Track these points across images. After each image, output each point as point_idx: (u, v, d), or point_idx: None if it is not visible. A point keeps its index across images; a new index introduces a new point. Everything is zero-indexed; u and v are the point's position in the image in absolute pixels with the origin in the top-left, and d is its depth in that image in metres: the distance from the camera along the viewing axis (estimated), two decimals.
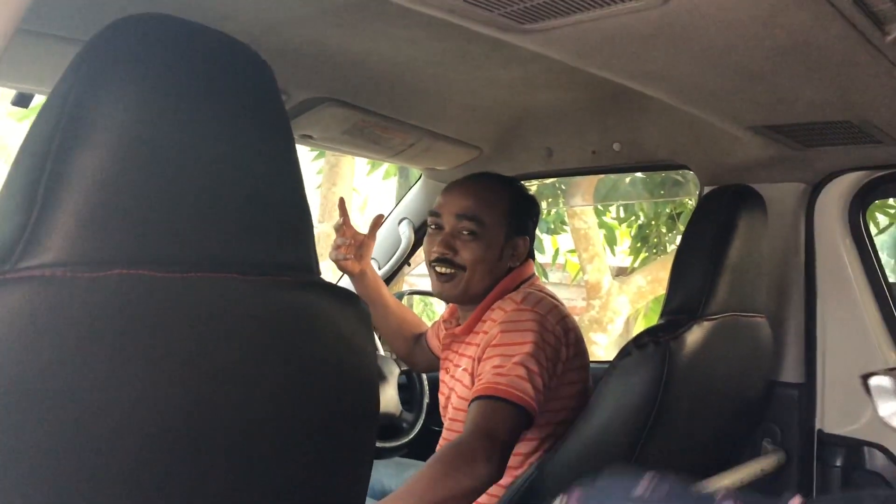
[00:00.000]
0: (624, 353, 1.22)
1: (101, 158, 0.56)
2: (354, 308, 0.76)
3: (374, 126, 1.63)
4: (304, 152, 4.73)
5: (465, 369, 1.44)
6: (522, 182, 1.62)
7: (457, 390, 1.47)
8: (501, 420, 1.21)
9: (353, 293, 0.77)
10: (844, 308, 1.52)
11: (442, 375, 1.58)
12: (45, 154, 0.55)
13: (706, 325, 1.23)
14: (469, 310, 1.50)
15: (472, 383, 1.39)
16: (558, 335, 1.32)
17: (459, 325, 1.54)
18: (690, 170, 1.65)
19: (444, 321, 1.65)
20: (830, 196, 1.53)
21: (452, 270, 1.46)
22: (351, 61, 1.34)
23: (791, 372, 1.54)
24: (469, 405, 1.26)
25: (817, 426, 1.53)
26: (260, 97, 0.69)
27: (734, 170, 1.52)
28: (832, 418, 1.52)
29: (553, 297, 1.44)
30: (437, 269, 1.48)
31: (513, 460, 1.27)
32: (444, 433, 1.52)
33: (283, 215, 0.70)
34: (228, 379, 0.63)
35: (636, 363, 1.19)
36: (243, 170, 0.66)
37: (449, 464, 1.14)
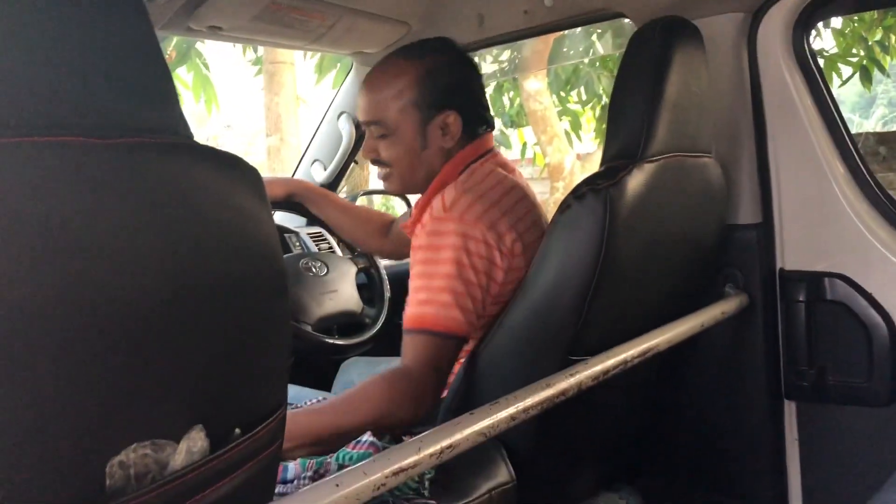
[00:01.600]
0: (563, 207, 1.16)
1: None
2: (237, 171, 0.69)
3: (287, 8, 1.52)
4: (245, 68, 4.57)
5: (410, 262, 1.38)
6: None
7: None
8: (439, 351, 1.22)
9: (234, 155, 0.69)
10: (796, 141, 1.46)
11: None
12: None
13: (647, 167, 1.17)
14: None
15: None
16: (490, 242, 1.25)
17: None
18: (626, 16, 1.56)
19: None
20: (772, 22, 1.44)
21: (385, 170, 1.43)
22: None
23: (747, 213, 1.50)
24: (403, 333, 1.26)
25: (778, 265, 1.50)
26: None
27: (669, 7, 1.42)
28: (793, 255, 1.49)
29: (506, 180, 1.36)
30: (377, 168, 1.46)
31: None
32: None
33: (138, 73, 0.62)
34: (99, 257, 0.56)
35: (576, 215, 1.13)
36: (83, 30, 0.58)
37: (401, 392, 1.17)
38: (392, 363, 1.74)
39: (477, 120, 1.41)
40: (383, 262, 2.03)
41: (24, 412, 0.53)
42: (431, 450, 0.75)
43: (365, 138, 1.44)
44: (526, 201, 1.36)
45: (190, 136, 0.67)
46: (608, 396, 1.28)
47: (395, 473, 0.71)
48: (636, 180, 1.14)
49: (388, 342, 1.88)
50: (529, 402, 0.88)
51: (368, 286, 1.98)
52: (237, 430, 0.70)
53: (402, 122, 1.36)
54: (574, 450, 1.35)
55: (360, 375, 1.78)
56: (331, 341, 1.75)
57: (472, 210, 1.26)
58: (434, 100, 1.36)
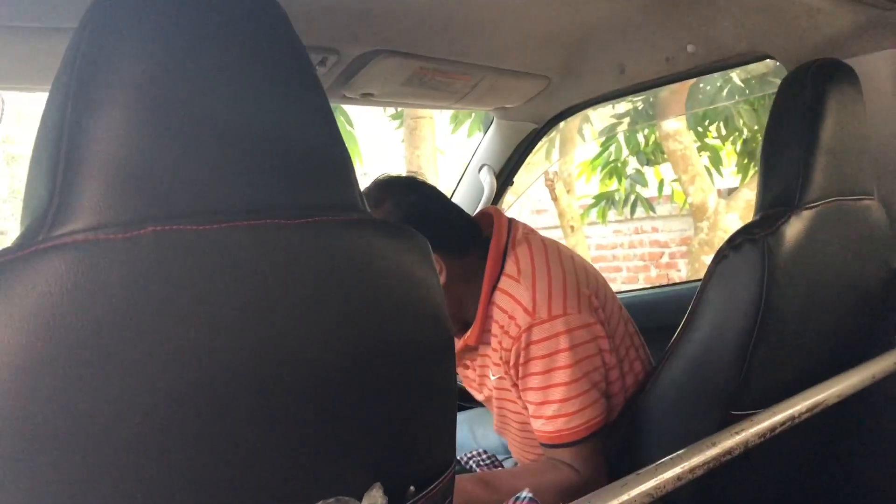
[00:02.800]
0: (719, 257, 1.14)
1: (117, 117, 0.55)
2: (411, 241, 0.73)
3: (434, 72, 1.59)
4: (384, 123, 4.75)
5: (500, 377, 1.34)
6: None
7: (507, 404, 1.39)
8: (592, 452, 1.22)
9: (407, 227, 0.73)
10: None
11: (469, 385, 1.51)
12: (61, 121, 0.55)
13: (806, 214, 1.13)
14: (468, 298, 1.36)
15: (516, 389, 1.32)
16: (589, 322, 1.23)
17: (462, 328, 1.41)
18: (773, 58, 1.53)
19: None
20: None
21: None
22: (399, 7, 1.30)
23: None
24: (543, 447, 1.26)
25: None
26: (276, 41, 0.67)
27: (820, 47, 1.39)
28: None
29: (548, 248, 1.32)
30: None
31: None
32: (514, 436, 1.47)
33: (319, 157, 0.68)
34: (288, 326, 0.61)
35: (733, 266, 1.11)
36: (269, 116, 0.65)
37: (563, 492, 1.17)
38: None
39: (457, 237, 1.35)
40: None
41: (223, 471, 0.58)
42: None
43: None
44: (575, 256, 1.34)
45: (367, 211, 0.72)
46: (773, 455, 1.23)
47: None
48: (794, 228, 1.11)
49: None
50: (695, 461, 0.87)
51: None
52: (412, 488, 0.73)
53: None
54: None
55: (486, 432, 1.77)
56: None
57: (554, 303, 1.23)
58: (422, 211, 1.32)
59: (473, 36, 1.51)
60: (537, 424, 1.25)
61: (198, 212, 0.58)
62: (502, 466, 1.55)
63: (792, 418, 1.05)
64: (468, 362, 1.43)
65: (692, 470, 0.85)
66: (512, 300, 1.26)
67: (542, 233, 1.44)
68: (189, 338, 0.55)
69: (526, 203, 7.72)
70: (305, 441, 0.64)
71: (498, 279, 1.29)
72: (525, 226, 1.42)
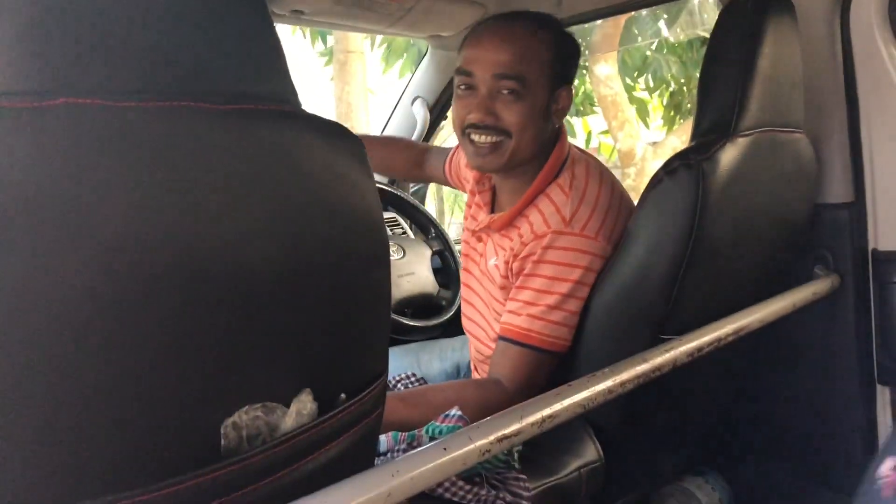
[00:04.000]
0: (654, 182, 1.14)
1: None
2: (346, 140, 0.69)
3: None
4: (313, 59, 4.62)
5: (495, 265, 1.36)
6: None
7: (483, 285, 1.42)
8: (540, 369, 1.22)
9: (343, 126, 0.69)
10: (890, 117, 1.40)
11: (465, 263, 1.51)
12: None
13: (740, 141, 1.14)
14: (511, 186, 1.37)
15: (501, 281, 1.33)
16: (606, 255, 1.23)
17: (491, 207, 1.44)
18: None
19: (477, 183, 1.50)
20: None
21: (497, 138, 1.26)
22: None
23: (838, 192, 1.44)
24: (500, 341, 1.24)
25: (871, 245, 1.45)
26: None
27: None
28: (886, 235, 1.43)
29: (604, 177, 1.33)
30: (475, 137, 1.28)
31: None
32: (470, 324, 1.48)
33: (248, 42, 0.63)
34: (208, 219, 0.57)
35: (667, 190, 1.11)
36: (201, 1, 0.59)
37: (495, 405, 1.09)
38: (455, 343, 1.74)
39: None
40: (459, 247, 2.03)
41: (145, 374, 0.55)
42: (533, 419, 0.75)
43: (474, 100, 1.27)
44: (624, 194, 1.34)
45: (300, 105, 0.68)
46: (696, 378, 1.26)
47: (500, 440, 0.72)
48: (729, 155, 1.12)
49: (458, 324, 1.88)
50: (626, 376, 0.87)
51: (443, 269, 1.99)
52: (343, 396, 0.71)
53: (539, 83, 1.25)
54: (661, 432, 1.34)
55: (430, 359, 1.78)
56: (408, 322, 1.77)
57: (591, 224, 1.24)
58: (563, 70, 1.30)
59: None
60: (510, 318, 1.25)
61: (115, 87, 0.53)
62: None
63: (717, 341, 1.07)
64: (483, 236, 1.43)
65: (623, 384, 0.86)
66: (553, 207, 1.27)
67: None
68: (98, 222, 0.51)
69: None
70: (230, 345, 0.60)
71: (548, 185, 1.30)
72: (586, 151, 1.43)
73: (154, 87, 0.55)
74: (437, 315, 1.86)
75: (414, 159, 1.87)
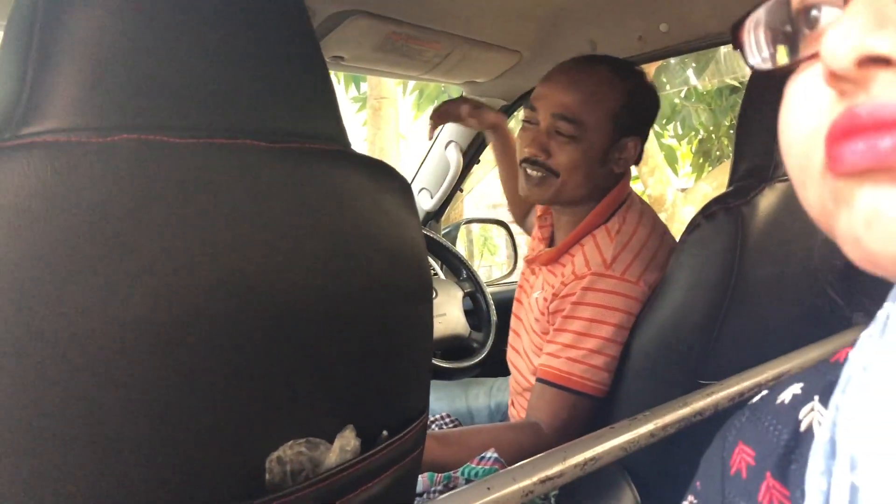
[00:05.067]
0: (692, 227, 1.14)
1: (97, 14, 0.51)
2: (393, 180, 0.71)
3: (406, 38, 1.56)
4: (346, 106, 4.70)
5: (537, 298, 1.37)
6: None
7: (528, 316, 1.42)
8: (577, 411, 1.21)
9: (390, 165, 0.71)
10: None
11: (518, 294, 1.53)
12: (32, 16, 0.51)
13: (779, 187, 1.14)
14: (565, 223, 1.39)
15: (538, 315, 1.34)
16: (645, 299, 1.24)
17: (549, 242, 1.47)
18: None
19: (538, 218, 1.54)
20: None
21: (543, 174, 1.30)
22: None
23: None
24: (537, 383, 1.25)
25: None
26: None
27: None
28: None
29: (654, 226, 1.33)
30: (527, 170, 1.33)
31: None
32: (513, 354, 1.48)
33: (304, 86, 0.65)
34: (262, 254, 0.58)
35: (706, 235, 1.11)
36: (255, 36, 0.61)
37: (531, 448, 1.09)
38: (498, 384, 1.74)
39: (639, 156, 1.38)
40: (490, 289, 2.03)
41: (195, 406, 0.55)
42: (575, 460, 0.74)
43: (532, 135, 1.32)
44: (673, 245, 1.34)
45: (349, 145, 0.69)
46: None
47: (543, 482, 0.71)
48: (768, 200, 1.12)
49: (493, 366, 1.87)
50: (668, 419, 0.86)
51: (475, 311, 1.99)
52: (384, 433, 0.71)
53: (600, 128, 1.28)
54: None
55: (458, 397, 1.77)
56: (440, 363, 1.76)
57: (633, 269, 1.24)
58: (631, 122, 1.31)
59: (449, 3, 1.49)
60: (549, 360, 1.25)
61: (176, 125, 0.55)
62: None
63: (758, 385, 1.05)
64: (536, 269, 1.45)
65: (665, 427, 0.85)
66: (596, 249, 1.28)
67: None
68: (159, 254, 0.52)
69: (481, 201, 7.73)
70: (277, 378, 0.61)
71: (596, 227, 1.32)
72: (644, 201, 1.44)
73: (213, 124, 0.57)
74: (468, 357, 1.85)
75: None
